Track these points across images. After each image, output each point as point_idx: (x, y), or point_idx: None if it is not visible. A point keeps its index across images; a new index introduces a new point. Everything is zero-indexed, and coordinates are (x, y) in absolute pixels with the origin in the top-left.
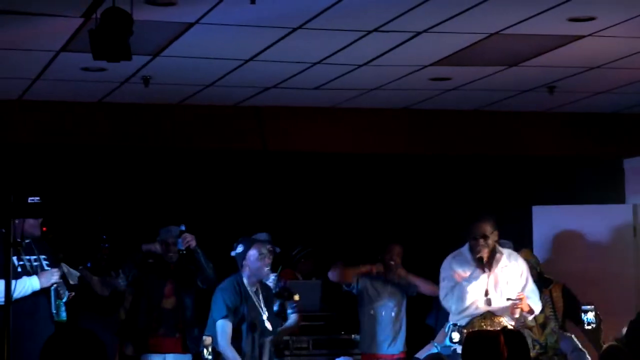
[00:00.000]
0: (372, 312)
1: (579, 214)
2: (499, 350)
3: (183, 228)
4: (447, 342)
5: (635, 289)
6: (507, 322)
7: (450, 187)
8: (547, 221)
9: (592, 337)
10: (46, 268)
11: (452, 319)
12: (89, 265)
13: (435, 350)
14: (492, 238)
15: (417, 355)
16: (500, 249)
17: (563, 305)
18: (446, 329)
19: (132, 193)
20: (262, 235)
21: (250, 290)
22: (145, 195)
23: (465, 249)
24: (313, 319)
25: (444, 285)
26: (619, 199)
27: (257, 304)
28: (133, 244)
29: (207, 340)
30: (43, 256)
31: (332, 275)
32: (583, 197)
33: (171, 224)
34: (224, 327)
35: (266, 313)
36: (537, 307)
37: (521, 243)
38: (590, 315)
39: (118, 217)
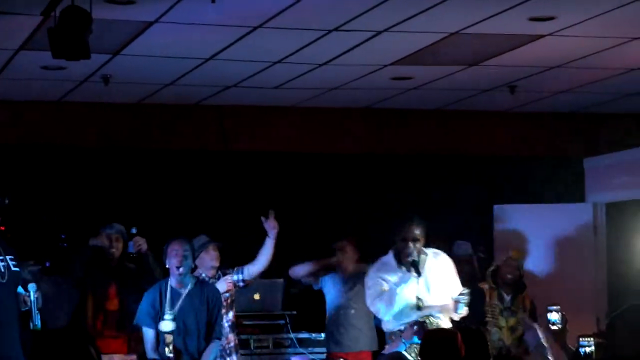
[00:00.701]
0: (335, 309)
1: (540, 213)
2: (456, 348)
3: (134, 231)
4: (415, 340)
5: (595, 288)
6: (445, 324)
7: (411, 186)
8: (508, 220)
9: (558, 337)
10: (13, 269)
11: (385, 326)
12: (47, 264)
13: (402, 347)
14: (422, 242)
15: (384, 352)
16: (425, 249)
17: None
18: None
19: (91, 193)
20: (202, 238)
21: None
22: (104, 196)
23: (389, 257)
24: (275, 318)
25: (370, 292)
26: (579, 197)
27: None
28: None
29: (168, 338)
30: (10, 257)
31: (292, 272)
32: (543, 196)
33: (129, 225)
34: (145, 335)
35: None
36: (463, 310)
37: (482, 242)
38: (555, 316)
39: (77, 217)
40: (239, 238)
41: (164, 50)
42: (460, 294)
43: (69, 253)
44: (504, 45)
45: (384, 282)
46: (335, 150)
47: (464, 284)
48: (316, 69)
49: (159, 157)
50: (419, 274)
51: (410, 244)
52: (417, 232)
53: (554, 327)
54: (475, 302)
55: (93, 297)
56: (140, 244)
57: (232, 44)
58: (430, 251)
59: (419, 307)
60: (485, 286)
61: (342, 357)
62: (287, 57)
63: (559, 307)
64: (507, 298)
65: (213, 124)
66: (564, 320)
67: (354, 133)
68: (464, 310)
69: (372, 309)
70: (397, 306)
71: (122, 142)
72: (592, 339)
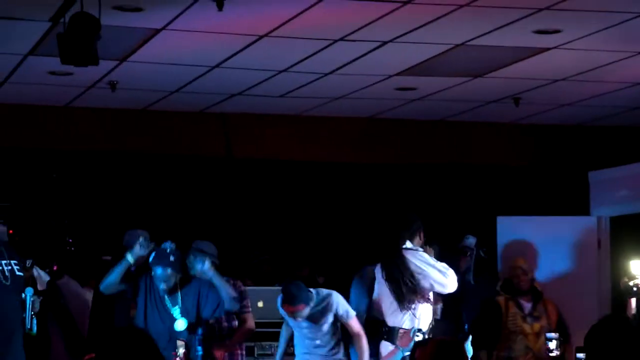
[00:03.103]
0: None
1: (544, 225)
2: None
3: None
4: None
5: (598, 301)
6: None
7: (415, 196)
8: (511, 231)
9: None
10: (18, 273)
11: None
12: (54, 268)
13: (399, 356)
14: None
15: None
16: None
17: (556, 319)
18: (411, 333)
19: (98, 198)
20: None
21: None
22: (110, 200)
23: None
24: (277, 326)
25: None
26: (584, 211)
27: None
28: (97, 247)
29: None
30: (14, 261)
31: None
32: (548, 209)
33: (136, 228)
34: None
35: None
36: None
37: (485, 253)
38: (554, 344)
39: (84, 221)
40: (240, 245)
41: (170, 58)
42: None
43: (76, 257)
44: (509, 57)
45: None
46: (339, 159)
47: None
48: (321, 78)
49: (163, 164)
50: None
51: None
52: None
53: (553, 354)
54: (489, 316)
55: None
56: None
57: (238, 52)
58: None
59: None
60: (500, 299)
61: None
62: (292, 66)
63: (557, 335)
64: (527, 305)
65: (218, 132)
66: (561, 346)
67: (358, 143)
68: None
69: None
70: None
71: (128, 147)
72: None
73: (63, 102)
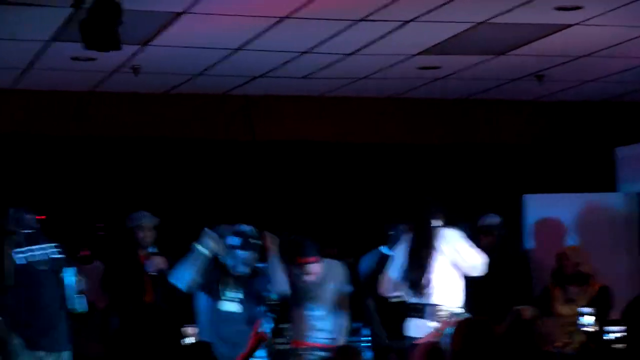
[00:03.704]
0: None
1: (570, 203)
2: (493, 336)
3: (153, 250)
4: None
5: (626, 279)
6: None
7: (440, 176)
8: (538, 210)
9: (593, 338)
10: (57, 257)
11: None
12: (84, 254)
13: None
14: None
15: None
16: None
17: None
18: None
19: (123, 183)
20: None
21: None
22: (135, 185)
23: None
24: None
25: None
26: (611, 187)
27: None
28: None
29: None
30: (53, 245)
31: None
32: (574, 186)
33: (157, 214)
34: None
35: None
36: None
37: (511, 232)
38: (589, 319)
39: (109, 206)
40: (267, 228)
41: (192, 41)
42: None
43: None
44: (531, 34)
45: None
46: (363, 139)
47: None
48: (344, 59)
49: (187, 147)
50: None
51: None
52: None
53: (588, 329)
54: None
55: None
56: (158, 263)
57: (260, 34)
58: None
59: None
60: (550, 285)
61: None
62: (314, 47)
63: (592, 310)
64: (574, 290)
65: (241, 114)
66: (597, 322)
67: (381, 123)
68: None
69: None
70: None
71: (151, 131)
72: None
73: (86, 87)
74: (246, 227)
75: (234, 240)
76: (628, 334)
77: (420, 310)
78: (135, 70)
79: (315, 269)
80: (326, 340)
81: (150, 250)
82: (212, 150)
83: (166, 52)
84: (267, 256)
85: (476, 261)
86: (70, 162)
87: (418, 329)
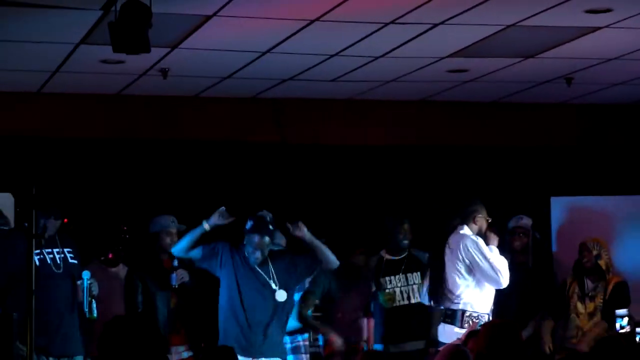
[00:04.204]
0: None
1: (599, 205)
2: (519, 339)
3: (176, 264)
4: None
5: None
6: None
7: (468, 179)
8: (566, 212)
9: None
10: (71, 261)
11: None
12: (110, 256)
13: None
14: None
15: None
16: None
17: (607, 298)
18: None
19: (151, 185)
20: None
21: None
22: (163, 188)
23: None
24: None
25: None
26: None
27: None
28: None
29: None
30: (67, 249)
31: None
32: (603, 189)
33: (188, 217)
34: None
35: None
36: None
37: (540, 232)
38: (625, 321)
39: (137, 209)
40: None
41: (221, 44)
42: None
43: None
44: (560, 37)
45: None
46: (391, 142)
47: (509, 254)
48: (373, 62)
49: (216, 150)
50: None
51: None
52: None
53: (623, 331)
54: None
55: None
56: (182, 276)
57: (289, 37)
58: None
59: None
60: (569, 279)
61: None
62: (343, 50)
63: (625, 312)
64: (591, 285)
65: (270, 118)
66: (632, 324)
67: (410, 125)
68: None
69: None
70: None
71: (180, 135)
72: None
73: (115, 90)
74: (263, 212)
75: (247, 224)
76: None
77: (450, 316)
78: (164, 73)
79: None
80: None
81: (174, 264)
82: (241, 154)
83: (195, 55)
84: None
85: (494, 276)
86: (97, 165)
87: (447, 334)
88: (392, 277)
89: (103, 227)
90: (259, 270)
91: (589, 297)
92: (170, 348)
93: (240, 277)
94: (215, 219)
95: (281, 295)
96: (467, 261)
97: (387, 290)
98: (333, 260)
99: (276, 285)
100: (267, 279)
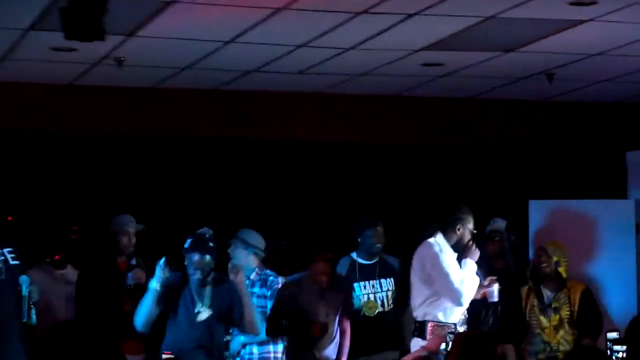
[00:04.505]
0: None
1: (578, 209)
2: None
3: (133, 262)
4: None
5: (637, 290)
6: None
7: (442, 178)
8: (544, 216)
9: None
10: (12, 262)
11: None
12: (56, 257)
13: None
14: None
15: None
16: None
17: (578, 310)
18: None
19: (106, 183)
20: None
21: None
22: (118, 186)
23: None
24: None
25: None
26: (621, 194)
27: None
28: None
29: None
30: (7, 249)
31: None
32: (583, 192)
33: (139, 216)
34: None
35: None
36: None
37: (515, 236)
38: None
39: (87, 207)
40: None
41: (182, 32)
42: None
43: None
44: (542, 30)
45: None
46: (362, 140)
47: (486, 260)
48: (343, 54)
49: (174, 145)
50: None
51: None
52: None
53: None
54: (512, 308)
55: None
56: (139, 277)
57: (254, 26)
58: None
59: None
60: (524, 289)
61: None
62: (312, 40)
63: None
64: (550, 295)
65: (233, 111)
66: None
67: (381, 122)
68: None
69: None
70: None
71: (135, 129)
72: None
73: (66, 80)
74: (203, 230)
75: (186, 242)
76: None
77: (417, 329)
78: (120, 62)
79: (327, 268)
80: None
81: (131, 262)
82: (201, 149)
83: (153, 44)
84: None
85: (451, 295)
86: (46, 160)
87: (415, 348)
88: (367, 283)
89: (50, 226)
90: (193, 292)
91: (553, 308)
92: (124, 357)
93: (180, 299)
94: (160, 275)
95: (202, 316)
96: (426, 272)
97: (369, 299)
98: (256, 326)
99: (202, 307)
100: (198, 300)
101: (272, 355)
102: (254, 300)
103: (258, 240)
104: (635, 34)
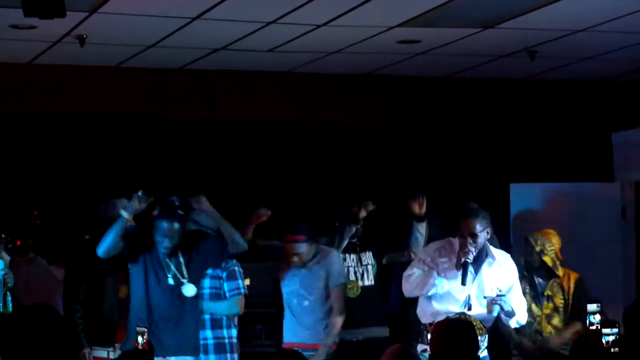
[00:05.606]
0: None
1: (562, 193)
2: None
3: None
4: None
5: (623, 274)
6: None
7: (419, 160)
8: (526, 200)
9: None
10: None
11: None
12: (17, 243)
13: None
14: (482, 236)
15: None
16: (493, 250)
17: (572, 298)
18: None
19: (67, 165)
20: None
21: None
22: (81, 168)
23: (456, 241)
24: (265, 306)
25: (414, 263)
26: (606, 176)
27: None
28: (69, 222)
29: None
30: None
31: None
32: (566, 174)
33: (108, 199)
34: None
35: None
36: (522, 317)
37: (498, 223)
38: (597, 317)
39: (50, 192)
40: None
41: (145, 9)
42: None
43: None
44: (523, 5)
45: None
46: (334, 119)
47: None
48: (314, 31)
49: (138, 126)
50: (463, 282)
51: (469, 240)
52: (475, 226)
53: (593, 328)
54: None
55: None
56: None
57: (221, 1)
58: (498, 253)
59: (469, 308)
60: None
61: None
62: (282, 16)
63: (598, 307)
64: (542, 283)
65: (199, 91)
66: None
67: (356, 101)
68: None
69: (403, 282)
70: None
71: (98, 108)
72: (614, 328)
73: (26, 58)
74: (174, 198)
75: (155, 210)
76: (625, 338)
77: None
78: (81, 40)
79: (302, 249)
80: (312, 339)
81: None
82: (167, 130)
83: (116, 21)
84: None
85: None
86: (6, 141)
87: None
88: (347, 255)
89: (11, 212)
90: (168, 262)
91: (546, 297)
92: (115, 344)
93: (148, 270)
94: (134, 205)
95: (188, 290)
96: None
97: (349, 279)
98: (239, 242)
99: (184, 278)
100: (176, 271)
101: (227, 341)
102: (207, 280)
103: (209, 221)
104: (620, 9)
